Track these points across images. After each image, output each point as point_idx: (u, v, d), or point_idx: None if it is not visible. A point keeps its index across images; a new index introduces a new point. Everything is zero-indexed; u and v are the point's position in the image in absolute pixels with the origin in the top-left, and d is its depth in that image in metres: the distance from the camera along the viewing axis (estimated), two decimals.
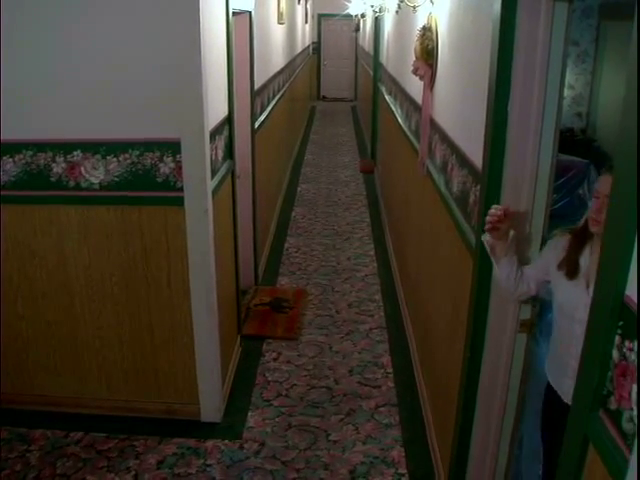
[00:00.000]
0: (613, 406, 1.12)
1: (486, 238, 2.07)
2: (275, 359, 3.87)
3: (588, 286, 1.89)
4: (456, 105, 2.79)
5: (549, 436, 2.21)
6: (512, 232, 2.03)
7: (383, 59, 7.59)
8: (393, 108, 5.77)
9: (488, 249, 2.08)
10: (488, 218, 1.99)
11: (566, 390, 2.02)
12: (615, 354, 1.12)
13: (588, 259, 1.92)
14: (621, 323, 1.11)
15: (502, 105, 1.96)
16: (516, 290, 2.10)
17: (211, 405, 3.24)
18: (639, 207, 1.01)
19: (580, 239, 1.96)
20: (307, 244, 5.92)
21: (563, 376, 2.02)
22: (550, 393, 2.11)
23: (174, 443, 3.08)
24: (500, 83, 1.94)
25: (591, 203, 1.92)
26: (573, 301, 1.95)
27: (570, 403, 2.00)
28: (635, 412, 1.03)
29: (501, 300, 2.19)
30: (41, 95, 2.77)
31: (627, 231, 1.06)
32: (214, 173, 3.09)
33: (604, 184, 1.77)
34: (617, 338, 1.12)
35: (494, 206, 2.00)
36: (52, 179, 2.88)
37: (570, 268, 1.96)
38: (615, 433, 1.11)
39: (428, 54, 3.29)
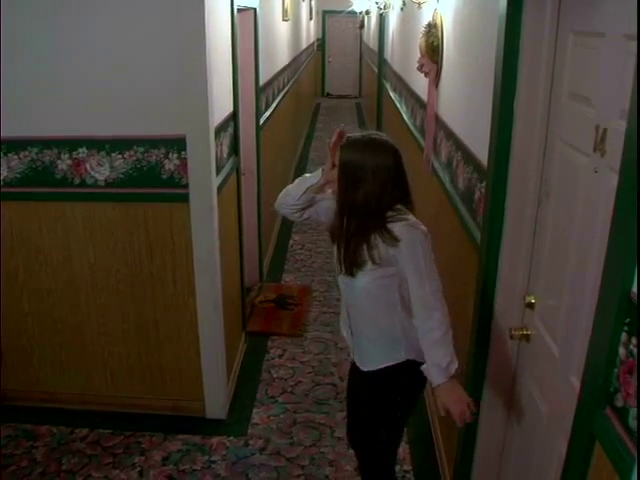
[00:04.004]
0: (620, 403, 1.12)
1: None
2: (280, 356, 3.88)
3: None
4: (462, 102, 2.78)
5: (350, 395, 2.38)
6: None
7: (388, 56, 7.58)
8: (398, 105, 5.76)
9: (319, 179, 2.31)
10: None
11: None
12: (622, 351, 1.12)
13: None
14: (628, 320, 1.10)
15: (508, 101, 1.95)
16: (301, 214, 2.28)
17: (216, 402, 3.25)
18: None
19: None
20: (312, 241, 5.92)
21: (346, 332, 2.20)
22: None
23: (179, 440, 3.09)
24: (506, 79, 1.93)
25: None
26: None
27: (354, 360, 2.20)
28: None
29: (506, 297, 2.19)
30: (46, 92, 2.78)
31: (633, 227, 1.05)
32: (219, 170, 3.09)
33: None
34: (624, 335, 1.11)
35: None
36: (57, 176, 2.89)
37: (334, 235, 2.15)
38: (622, 430, 1.10)
39: (433, 51, 3.28)
